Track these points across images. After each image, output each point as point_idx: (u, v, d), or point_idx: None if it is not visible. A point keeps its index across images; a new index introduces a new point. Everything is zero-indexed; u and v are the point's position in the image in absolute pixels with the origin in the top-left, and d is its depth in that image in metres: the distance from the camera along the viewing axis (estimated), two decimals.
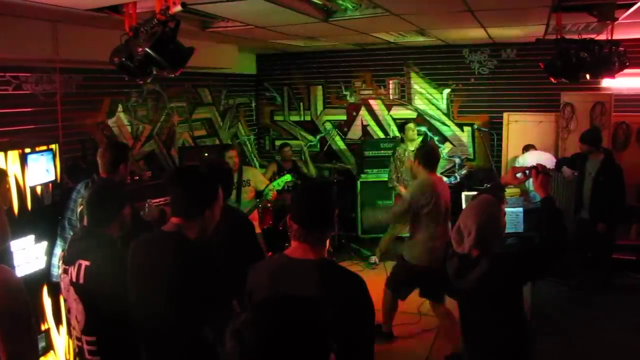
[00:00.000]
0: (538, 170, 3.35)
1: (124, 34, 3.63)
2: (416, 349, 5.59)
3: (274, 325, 1.43)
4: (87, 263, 2.88)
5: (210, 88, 9.07)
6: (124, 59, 3.47)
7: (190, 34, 6.11)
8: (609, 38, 5.76)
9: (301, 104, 10.15)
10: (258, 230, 6.30)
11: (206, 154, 8.04)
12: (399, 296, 5.55)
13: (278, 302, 1.55)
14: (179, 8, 3.22)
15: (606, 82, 7.73)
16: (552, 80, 5.58)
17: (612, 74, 5.83)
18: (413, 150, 7.76)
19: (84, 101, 6.44)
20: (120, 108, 7.06)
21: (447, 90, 9.24)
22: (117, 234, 3.05)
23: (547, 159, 7.53)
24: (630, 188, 6.92)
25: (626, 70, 6.27)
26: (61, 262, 3.12)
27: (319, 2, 5.18)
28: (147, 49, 3.20)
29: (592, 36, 6.23)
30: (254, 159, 10.35)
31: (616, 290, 6.81)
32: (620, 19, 5.57)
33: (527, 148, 7.95)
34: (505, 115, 8.61)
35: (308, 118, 10.14)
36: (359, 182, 8.79)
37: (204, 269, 2.55)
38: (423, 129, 9.28)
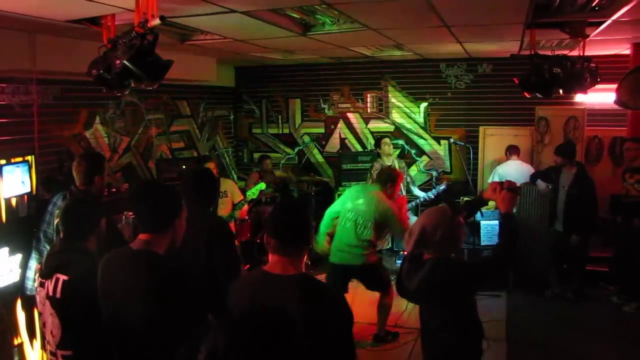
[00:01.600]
0: (502, 186, 3.41)
1: (102, 46, 3.63)
2: (397, 354, 5.62)
3: (249, 348, 1.44)
4: (66, 277, 2.84)
5: (188, 100, 9.06)
6: (101, 71, 3.47)
7: (168, 46, 6.12)
8: (581, 54, 5.88)
9: (279, 116, 10.19)
10: (236, 242, 6.30)
11: (184, 167, 8.02)
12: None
13: (252, 324, 1.54)
14: (157, 21, 3.23)
15: (579, 97, 7.89)
16: (526, 95, 5.68)
17: (584, 89, 5.95)
18: (390, 165, 7.82)
19: (61, 112, 6.40)
20: (97, 120, 7.03)
21: (424, 104, 9.33)
22: (94, 247, 3.03)
23: (527, 170, 7.64)
24: (602, 200, 7.04)
25: (598, 86, 6.40)
26: (37, 275, 3.08)
27: (297, 16, 5.22)
28: (125, 62, 3.20)
29: (565, 52, 6.36)
30: (232, 171, 10.34)
31: (589, 301, 6.90)
32: (591, 36, 5.70)
33: (510, 150, 8.00)
34: (481, 128, 8.73)
35: (286, 131, 10.18)
36: (336, 195, 8.81)
37: (176, 286, 2.51)
38: (400, 142, 9.36)
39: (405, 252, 3.30)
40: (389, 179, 5.74)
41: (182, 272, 2.65)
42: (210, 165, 6.63)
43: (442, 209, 3.22)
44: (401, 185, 7.31)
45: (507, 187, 3.38)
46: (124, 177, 7.40)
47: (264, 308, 2.16)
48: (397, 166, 8.04)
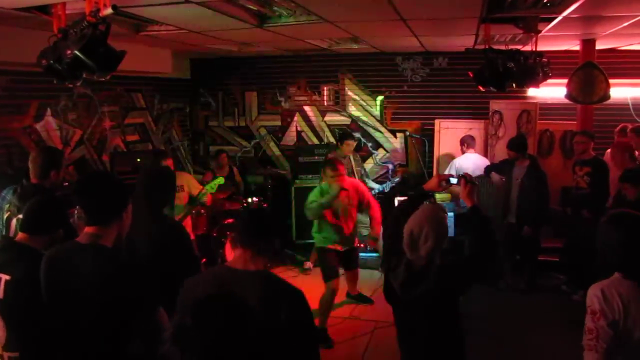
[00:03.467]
0: (467, 179, 3.44)
1: (52, 35, 3.53)
2: (350, 352, 5.64)
3: (216, 327, 1.44)
4: (7, 277, 2.76)
5: (143, 93, 8.90)
6: (52, 62, 3.38)
7: (122, 37, 6.00)
8: (534, 49, 6.00)
9: (236, 109, 10.10)
10: (192, 236, 6.22)
11: (139, 159, 7.88)
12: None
13: (219, 305, 1.56)
14: (109, 11, 3.16)
15: (532, 92, 8.05)
16: (481, 88, 5.77)
17: (536, 83, 6.08)
18: (344, 157, 7.84)
19: (9, 104, 6.21)
20: (49, 112, 6.84)
21: (380, 97, 9.38)
22: (42, 247, 2.92)
23: (482, 163, 7.76)
24: (553, 193, 7.22)
25: (550, 81, 6.56)
26: None
27: (253, 7, 5.18)
28: (76, 52, 3.12)
29: (519, 47, 6.48)
30: (188, 164, 10.22)
31: (541, 291, 7.08)
32: (543, 31, 5.82)
33: (465, 141, 8.10)
34: (436, 121, 8.83)
35: (243, 124, 10.09)
36: (293, 188, 8.81)
37: (125, 278, 2.47)
38: (357, 135, 9.40)
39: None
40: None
41: (132, 265, 2.60)
42: (168, 162, 6.46)
43: (440, 209, 3.20)
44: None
45: (468, 179, 3.43)
46: (77, 170, 7.23)
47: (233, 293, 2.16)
48: (352, 160, 8.08)
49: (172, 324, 1.47)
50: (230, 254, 2.57)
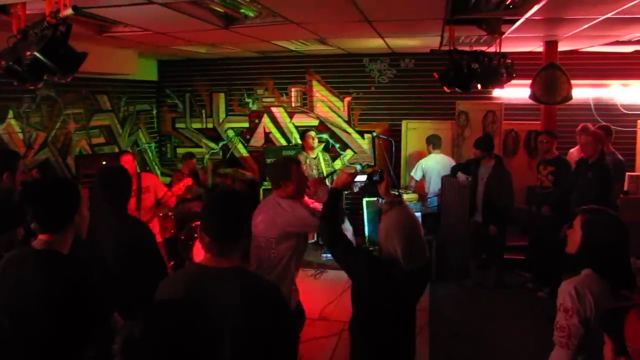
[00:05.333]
0: (381, 175, 3.51)
1: (11, 36, 3.46)
2: (318, 353, 5.64)
3: (167, 339, 1.39)
4: None
5: (109, 94, 8.79)
6: (11, 63, 3.31)
7: (85, 38, 5.92)
8: (498, 51, 6.09)
9: (203, 111, 10.04)
10: (159, 239, 6.17)
11: (104, 162, 7.78)
12: None
13: (171, 314, 1.50)
14: (70, 11, 3.10)
15: (497, 92, 8.16)
16: (446, 89, 5.82)
17: (500, 84, 6.17)
18: (315, 158, 7.86)
19: None
20: (10, 114, 6.71)
21: (348, 99, 9.41)
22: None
23: (448, 163, 7.83)
24: (519, 191, 7.32)
25: (514, 81, 6.67)
26: None
27: (219, 9, 5.15)
28: (36, 53, 3.07)
29: (483, 48, 6.56)
30: (156, 167, 10.13)
31: (507, 288, 7.17)
32: (506, 33, 5.90)
33: (430, 141, 8.16)
34: (403, 122, 8.89)
35: (210, 125, 10.03)
36: (261, 190, 8.79)
37: (79, 285, 2.41)
38: (325, 136, 9.41)
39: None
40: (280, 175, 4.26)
41: (87, 272, 2.53)
42: (128, 158, 6.36)
43: (398, 214, 3.12)
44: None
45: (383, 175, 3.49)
46: (41, 173, 7.10)
47: (187, 300, 2.11)
48: (321, 159, 8.09)
49: (120, 336, 1.41)
50: (199, 255, 2.52)
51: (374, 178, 3.55)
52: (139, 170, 6.54)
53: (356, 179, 3.64)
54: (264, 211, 4.13)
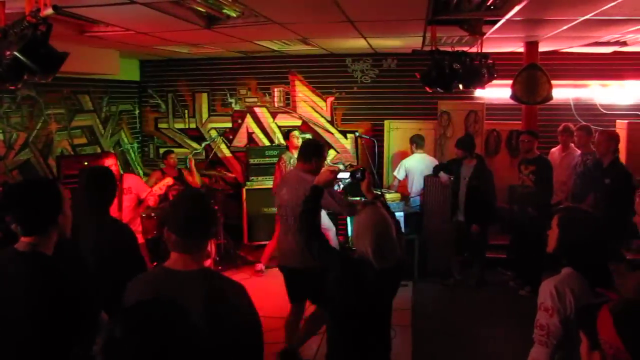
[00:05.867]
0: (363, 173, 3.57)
1: None
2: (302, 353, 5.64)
3: (148, 338, 1.39)
4: None
5: (91, 94, 8.72)
6: None
7: (67, 37, 5.88)
8: (479, 51, 6.13)
9: (186, 111, 10.00)
10: (142, 240, 6.13)
11: (86, 163, 7.72)
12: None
13: (152, 314, 1.50)
14: (50, 11, 3.09)
15: (479, 92, 8.21)
16: (428, 89, 5.86)
17: (482, 84, 6.22)
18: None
19: None
20: None
21: (330, 99, 9.43)
22: None
23: (431, 162, 7.86)
24: (500, 191, 7.38)
25: (496, 82, 6.73)
26: None
27: (201, 9, 5.14)
28: (15, 53, 3.04)
29: (465, 49, 6.60)
30: (138, 167, 10.07)
31: (490, 287, 7.24)
32: (487, 33, 5.95)
33: (413, 141, 8.17)
34: (386, 122, 8.91)
35: (193, 126, 9.99)
36: (244, 190, 8.77)
37: (65, 286, 2.39)
38: (308, 136, 9.42)
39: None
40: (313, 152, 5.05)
41: (72, 272, 2.51)
42: (110, 161, 6.33)
43: (369, 214, 3.19)
44: None
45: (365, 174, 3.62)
46: (22, 174, 7.04)
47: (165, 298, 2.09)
48: None
49: (101, 336, 1.41)
50: None
51: (357, 176, 3.60)
52: (122, 172, 6.48)
53: (339, 176, 3.73)
54: (288, 184, 4.98)
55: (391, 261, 3.09)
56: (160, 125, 10.16)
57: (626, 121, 8.00)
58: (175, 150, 9.38)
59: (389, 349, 3.34)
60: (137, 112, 10.12)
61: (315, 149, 5.03)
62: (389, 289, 3.27)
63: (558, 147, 7.74)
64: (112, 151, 8.77)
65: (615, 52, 8.01)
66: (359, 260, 3.12)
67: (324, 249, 3.34)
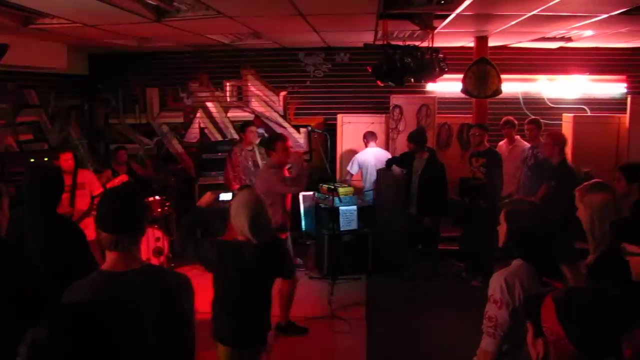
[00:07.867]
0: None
1: None
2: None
3: (73, 343, 1.36)
4: None
5: (37, 89, 8.46)
6: None
7: (10, 29, 5.68)
8: (430, 45, 6.19)
9: (137, 106, 9.81)
10: (93, 236, 5.98)
11: (32, 160, 7.51)
12: None
13: (77, 316, 1.46)
14: None
15: (430, 86, 8.31)
16: (379, 83, 5.89)
17: (433, 78, 6.29)
18: (250, 150, 7.77)
19: None
20: None
21: (283, 93, 9.40)
22: None
23: (384, 156, 7.89)
24: (452, 183, 7.48)
25: (447, 76, 6.80)
26: None
27: (151, 2, 5.04)
28: None
29: (417, 43, 6.66)
30: (88, 163, 9.83)
31: (443, 278, 7.33)
32: (438, 28, 6.02)
33: (367, 136, 8.19)
34: (339, 116, 8.92)
35: (144, 121, 9.82)
36: (197, 185, 8.66)
37: (8, 281, 2.34)
38: (261, 131, 9.35)
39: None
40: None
41: (15, 265, 2.44)
42: (67, 156, 6.14)
43: (245, 191, 3.66)
44: None
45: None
46: None
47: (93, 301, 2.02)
48: (257, 154, 7.98)
49: (26, 340, 1.36)
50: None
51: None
52: (76, 167, 6.28)
53: (220, 198, 4.07)
54: (259, 174, 6.15)
55: (267, 236, 3.49)
56: (111, 121, 9.92)
57: (572, 114, 8.22)
58: (127, 145, 9.20)
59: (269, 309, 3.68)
60: (86, 107, 9.87)
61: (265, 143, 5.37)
62: (270, 264, 3.57)
63: (504, 140, 7.90)
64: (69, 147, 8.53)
65: (561, 48, 8.22)
66: (237, 242, 3.46)
67: (198, 245, 3.59)
